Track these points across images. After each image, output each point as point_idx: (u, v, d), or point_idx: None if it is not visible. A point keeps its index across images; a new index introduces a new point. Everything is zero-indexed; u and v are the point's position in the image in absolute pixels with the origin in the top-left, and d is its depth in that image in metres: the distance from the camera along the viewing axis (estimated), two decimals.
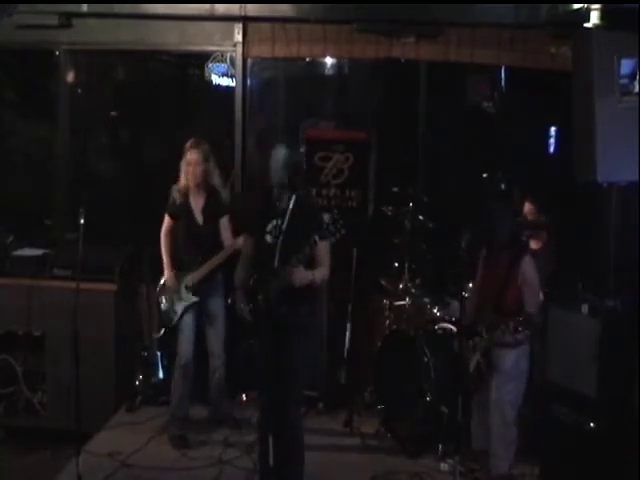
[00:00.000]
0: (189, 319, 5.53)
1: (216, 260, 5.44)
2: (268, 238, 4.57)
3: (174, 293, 5.54)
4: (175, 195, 5.57)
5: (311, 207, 4.84)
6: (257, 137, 7.02)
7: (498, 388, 4.77)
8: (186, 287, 5.50)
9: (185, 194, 5.53)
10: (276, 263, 4.48)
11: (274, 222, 4.57)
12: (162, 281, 5.65)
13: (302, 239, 4.35)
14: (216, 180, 5.56)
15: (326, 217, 4.30)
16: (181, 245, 5.61)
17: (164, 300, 5.61)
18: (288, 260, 4.40)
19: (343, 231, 4.26)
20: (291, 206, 4.57)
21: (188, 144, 5.49)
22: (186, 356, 5.50)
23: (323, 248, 4.47)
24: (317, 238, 4.28)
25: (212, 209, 5.53)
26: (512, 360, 4.77)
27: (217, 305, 5.61)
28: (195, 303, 5.52)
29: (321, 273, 4.53)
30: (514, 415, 4.80)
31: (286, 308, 4.47)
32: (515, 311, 4.66)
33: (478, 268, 5.03)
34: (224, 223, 5.54)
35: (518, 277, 4.74)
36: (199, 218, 5.55)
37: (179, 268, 5.58)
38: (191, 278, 5.48)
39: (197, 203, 5.55)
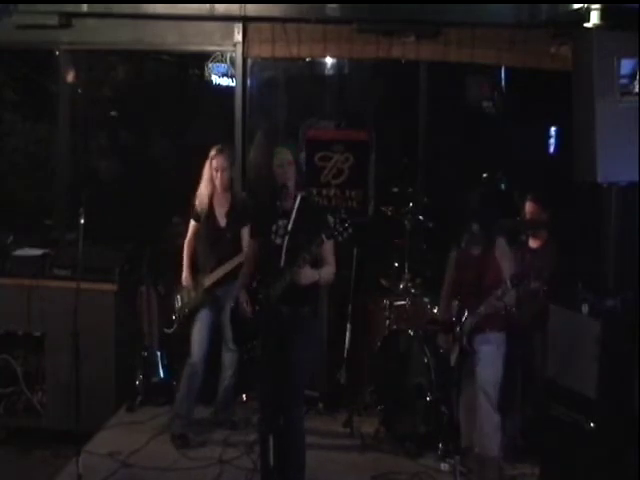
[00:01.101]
0: (204, 321, 5.53)
1: (229, 265, 5.43)
2: (274, 239, 4.57)
3: (190, 293, 5.56)
4: (198, 201, 5.58)
5: (315, 207, 4.84)
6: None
7: (481, 372, 4.83)
8: (200, 289, 5.51)
9: (210, 198, 5.55)
10: (282, 263, 4.48)
11: (279, 222, 4.58)
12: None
13: (308, 239, 4.36)
14: (237, 185, 5.57)
15: (332, 217, 4.30)
16: (201, 247, 5.62)
17: (179, 299, 5.64)
18: (294, 260, 4.40)
19: (350, 230, 4.26)
20: (296, 206, 4.58)
21: (214, 151, 5.52)
22: (197, 357, 5.49)
23: (329, 247, 4.49)
24: (324, 237, 4.28)
25: (237, 215, 5.54)
26: (494, 342, 4.82)
27: None
28: (210, 306, 5.52)
29: (327, 272, 4.55)
30: (497, 398, 4.82)
31: (288, 308, 4.48)
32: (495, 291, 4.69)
33: (449, 262, 5.05)
34: (246, 233, 5.51)
35: (495, 254, 4.78)
36: (222, 221, 5.56)
37: (197, 270, 5.59)
38: (205, 281, 5.50)
39: (221, 206, 5.57)
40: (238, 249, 5.46)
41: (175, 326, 5.83)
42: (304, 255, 4.35)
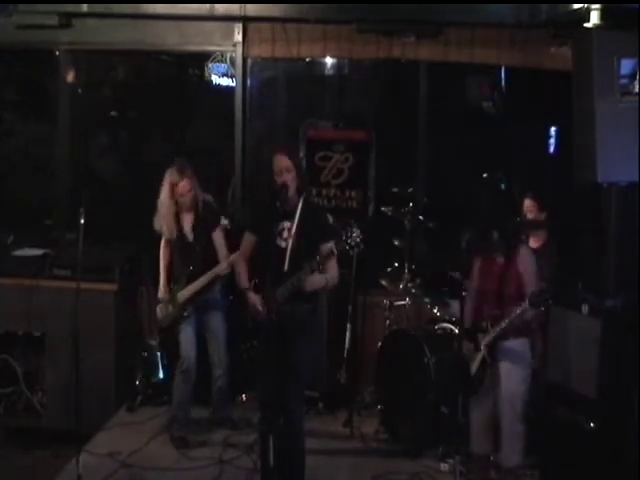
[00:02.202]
0: (189, 327, 5.51)
1: (204, 279, 5.40)
2: (277, 241, 4.56)
3: (168, 305, 5.54)
4: (164, 224, 5.47)
5: (318, 210, 4.82)
6: (257, 137, 7.01)
7: (508, 381, 4.75)
8: (177, 303, 5.49)
9: (175, 216, 5.48)
10: (286, 267, 4.47)
11: (281, 224, 4.57)
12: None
13: (312, 242, 4.37)
14: (200, 195, 5.48)
15: (341, 227, 4.28)
16: (174, 259, 5.60)
17: (159, 310, 5.62)
18: (298, 263, 4.40)
19: (362, 246, 4.28)
20: (299, 209, 4.57)
21: (173, 173, 5.37)
22: (188, 360, 5.47)
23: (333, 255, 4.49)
24: (334, 249, 4.29)
25: (202, 225, 5.49)
26: (519, 350, 4.78)
27: (216, 318, 5.58)
28: (191, 316, 5.50)
29: (332, 277, 4.56)
30: (523, 408, 4.79)
31: (288, 307, 4.48)
32: (517, 301, 4.66)
33: (473, 268, 5.02)
34: (218, 237, 5.49)
35: (518, 265, 4.74)
36: (189, 236, 5.53)
37: (174, 282, 5.58)
38: (180, 296, 5.48)
39: (186, 221, 5.52)
40: (211, 261, 5.41)
41: (158, 339, 5.87)
42: (311, 264, 4.34)
